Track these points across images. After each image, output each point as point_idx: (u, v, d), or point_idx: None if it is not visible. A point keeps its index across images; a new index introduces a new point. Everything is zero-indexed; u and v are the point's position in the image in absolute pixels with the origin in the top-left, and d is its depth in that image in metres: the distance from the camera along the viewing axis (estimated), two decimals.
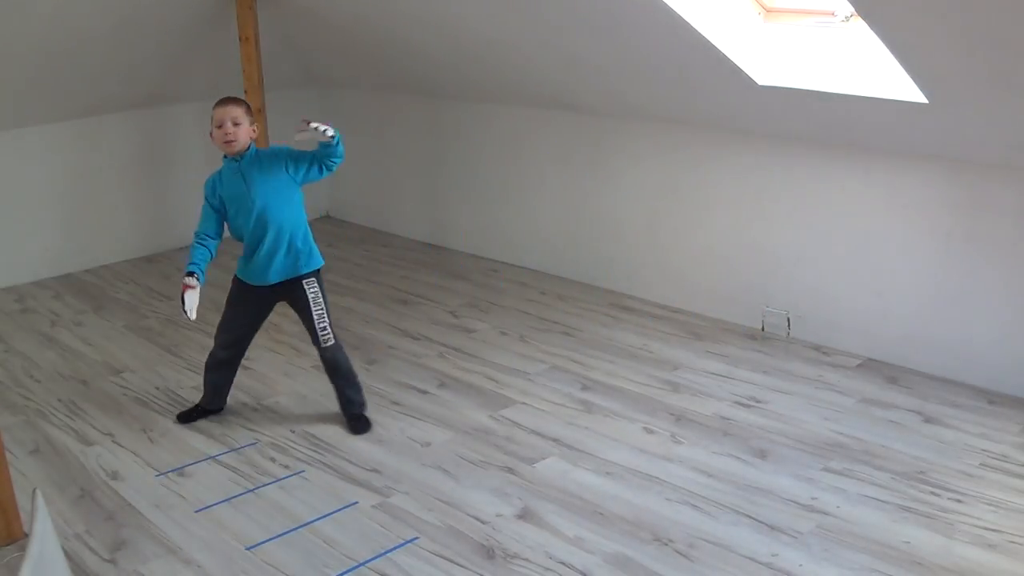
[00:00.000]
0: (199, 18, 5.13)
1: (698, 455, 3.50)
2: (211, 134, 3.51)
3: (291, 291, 3.66)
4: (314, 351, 4.49)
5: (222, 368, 3.83)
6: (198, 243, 3.56)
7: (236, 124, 3.44)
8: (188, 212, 4.79)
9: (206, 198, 3.57)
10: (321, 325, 3.67)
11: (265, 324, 4.85)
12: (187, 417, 3.86)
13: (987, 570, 2.80)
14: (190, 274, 3.46)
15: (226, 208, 3.56)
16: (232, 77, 5.17)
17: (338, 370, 3.78)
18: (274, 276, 3.59)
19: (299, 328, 4.79)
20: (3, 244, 5.43)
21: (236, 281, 3.70)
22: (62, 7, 4.49)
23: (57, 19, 4.55)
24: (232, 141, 3.45)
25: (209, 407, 3.88)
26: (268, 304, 3.75)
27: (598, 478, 3.36)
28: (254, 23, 4.94)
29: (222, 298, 3.78)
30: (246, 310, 3.73)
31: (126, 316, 5.03)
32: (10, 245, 5.45)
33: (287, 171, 3.53)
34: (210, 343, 4.38)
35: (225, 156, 3.54)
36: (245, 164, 3.51)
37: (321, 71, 6.33)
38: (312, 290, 3.65)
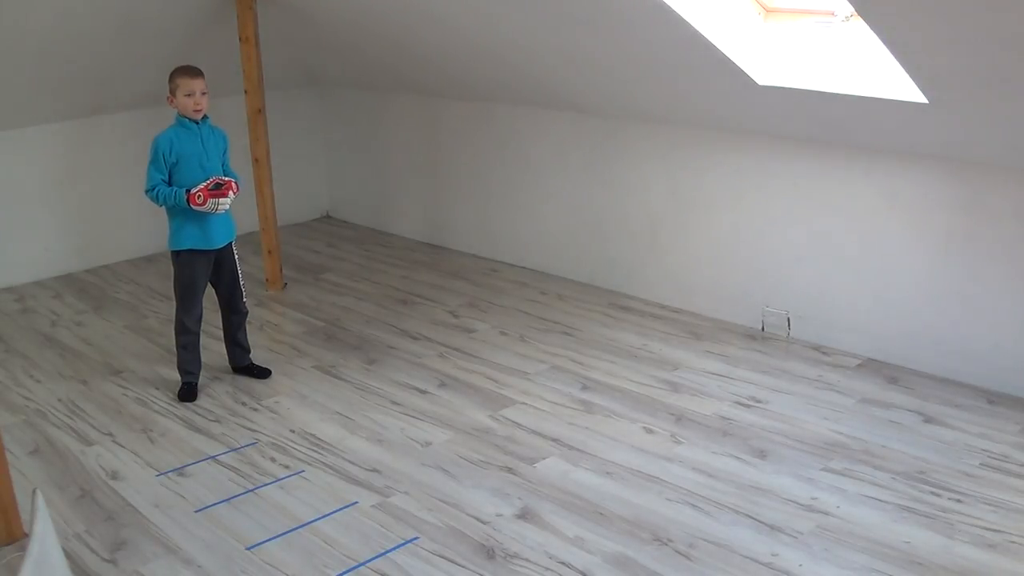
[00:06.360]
0: (199, 18, 5.13)
1: (698, 455, 3.50)
2: (170, 99, 3.80)
3: (223, 256, 3.99)
4: (313, 351, 4.53)
5: (196, 340, 4.06)
6: (163, 181, 3.79)
7: (203, 94, 3.81)
8: None
9: (161, 154, 3.77)
10: (242, 288, 4.14)
11: (264, 323, 4.88)
12: (190, 394, 4.03)
13: (987, 570, 2.80)
14: (188, 191, 3.74)
15: (177, 165, 3.80)
16: (232, 77, 5.17)
17: (241, 328, 4.20)
18: (221, 239, 3.93)
19: (300, 328, 4.82)
20: (3, 244, 5.42)
21: (185, 253, 3.90)
22: (63, 8, 4.49)
23: (57, 19, 4.55)
24: (201, 109, 3.81)
25: (196, 378, 4.09)
26: (210, 270, 3.99)
27: (598, 478, 3.36)
28: (254, 23, 4.93)
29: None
30: (204, 278, 3.99)
31: (126, 316, 5.03)
32: (10, 245, 5.45)
33: (223, 153, 3.99)
34: (210, 343, 4.40)
35: (181, 118, 3.82)
36: (205, 130, 3.86)
37: (321, 71, 6.33)
38: (237, 255, 4.08)
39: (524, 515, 3.14)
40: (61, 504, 3.22)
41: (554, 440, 3.63)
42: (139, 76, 5.32)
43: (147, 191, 3.79)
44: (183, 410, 3.93)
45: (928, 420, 3.70)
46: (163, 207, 3.84)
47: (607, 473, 3.39)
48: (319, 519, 3.13)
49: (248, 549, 2.98)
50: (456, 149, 5.92)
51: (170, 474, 3.43)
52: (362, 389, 4.11)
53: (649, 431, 3.68)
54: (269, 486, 3.35)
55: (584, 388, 4.07)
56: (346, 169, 6.78)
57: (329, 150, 6.82)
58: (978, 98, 3.29)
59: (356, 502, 3.23)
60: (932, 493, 3.19)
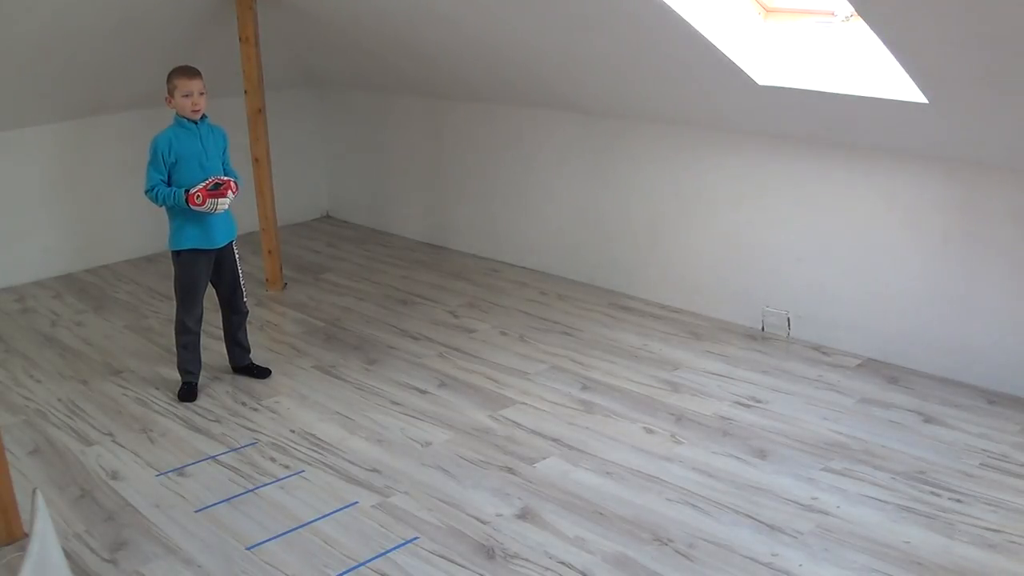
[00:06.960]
0: (199, 18, 5.13)
1: (698, 455, 3.50)
2: (169, 100, 3.81)
3: (223, 255, 3.99)
4: (313, 351, 4.53)
5: (197, 340, 4.06)
6: (162, 181, 3.79)
7: (201, 94, 3.81)
8: None
9: (160, 154, 3.78)
10: (243, 287, 4.14)
11: (264, 323, 4.88)
12: (190, 394, 4.03)
13: (987, 570, 2.80)
14: (187, 191, 3.74)
15: (176, 165, 3.80)
16: (232, 77, 5.17)
17: (241, 328, 4.20)
18: (222, 238, 3.93)
19: (300, 328, 4.82)
20: (3, 244, 5.43)
21: (186, 253, 3.90)
22: (62, 7, 4.49)
23: (57, 19, 4.55)
24: (199, 110, 3.81)
25: (196, 378, 4.08)
26: (210, 269, 4.00)
27: (598, 478, 3.36)
28: (254, 23, 4.93)
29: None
30: (205, 278, 3.99)
31: (126, 316, 5.03)
32: (10, 245, 5.45)
33: (223, 152, 3.98)
34: (210, 343, 4.40)
35: (180, 118, 3.82)
36: (204, 129, 3.86)
37: (321, 71, 6.33)
38: (238, 254, 4.08)
39: (524, 515, 3.14)
40: (61, 504, 3.22)
41: (554, 440, 3.63)
42: (138, 76, 5.32)
43: (146, 191, 3.79)
44: (183, 410, 3.93)
45: (928, 420, 3.70)
46: (163, 207, 3.84)
47: (607, 473, 3.39)
48: (319, 519, 3.13)
49: (248, 549, 2.98)
50: (457, 149, 5.92)
51: (170, 474, 3.43)
52: (362, 389, 4.11)
53: (649, 431, 3.68)
54: (269, 486, 3.35)
55: (584, 388, 4.07)
56: (346, 169, 6.78)
57: (329, 150, 6.82)
58: (978, 98, 3.29)
59: (356, 502, 3.23)
60: (932, 493, 3.19)
